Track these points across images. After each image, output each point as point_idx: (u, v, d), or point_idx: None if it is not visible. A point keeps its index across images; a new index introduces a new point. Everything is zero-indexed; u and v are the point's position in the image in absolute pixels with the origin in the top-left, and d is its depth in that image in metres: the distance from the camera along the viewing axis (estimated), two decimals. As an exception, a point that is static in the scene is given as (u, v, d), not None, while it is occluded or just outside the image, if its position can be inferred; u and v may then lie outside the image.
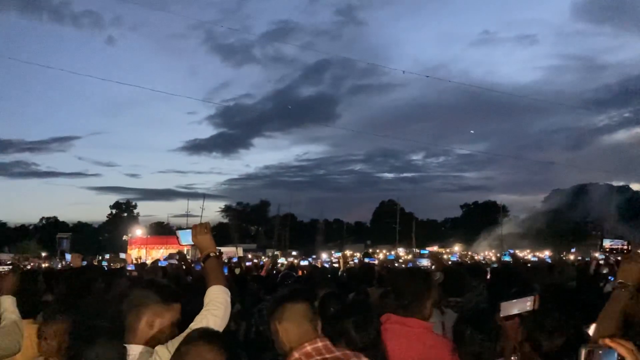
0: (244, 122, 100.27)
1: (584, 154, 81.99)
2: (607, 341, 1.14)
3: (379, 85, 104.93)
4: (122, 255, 19.67)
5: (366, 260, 10.93)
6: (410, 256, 25.91)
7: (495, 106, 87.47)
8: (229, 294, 2.48)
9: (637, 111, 75.26)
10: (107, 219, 73.24)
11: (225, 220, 74.21)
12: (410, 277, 2.72)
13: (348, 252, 21.58)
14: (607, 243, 5.82)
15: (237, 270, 8.27)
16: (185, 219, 50.95)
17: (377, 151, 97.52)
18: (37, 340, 2.90)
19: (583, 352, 1.15)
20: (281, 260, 15.80)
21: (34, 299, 3.88)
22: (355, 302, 4.03)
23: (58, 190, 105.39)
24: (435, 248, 37.84)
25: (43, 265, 21.09)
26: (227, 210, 76.73)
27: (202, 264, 2.63)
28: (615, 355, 1.12)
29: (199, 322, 2.29)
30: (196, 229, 2.59)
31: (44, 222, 72.35)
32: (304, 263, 13.17)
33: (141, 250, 30.27)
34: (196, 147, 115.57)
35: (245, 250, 34.71)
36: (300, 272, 9.60)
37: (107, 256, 17.18)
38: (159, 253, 26.53)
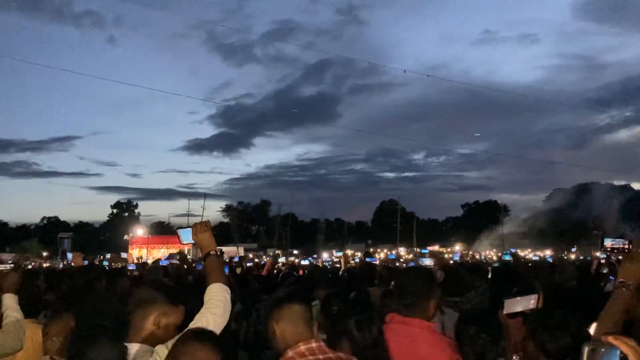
0: (245, 121, 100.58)
1: (585, 154, 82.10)
2: (611, 339, 1.13)
3: (380, 85, 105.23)
4: (123, 255, 19.71)
5: (367, 259, 10.92)
6: (411, 256, 25.89)
7: (496, 105, 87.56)
8: (229, 292, 2.48)
9: (638, 110, 75.46)
10: (108, 218, 73.42)
11: (226, 220, 74.39)
12: (413, 277, 2.71)
13: (349, 252, 21.56)
14: (608, 242, 5.84)
15: (238, 270, 8.27)
16: (186, 218, 51.14)
17: (378, 151, 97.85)
18: (37, 340, 2.91)
19: (586, 350, 1.14)
20: (281, 259, 15.78)
21: (35, 298, 3.89)
22: (357, 301, 4.04)
23: (59, 190, 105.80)
24: (436, 247, 37.80)
25: (44, 265, 21.12)
26: (228, 209, 76.84)
27: (202, 262, 2.64)
28: (618, 353, 1.12)
29: (198, 321, 2.30)
30: (196, 227, 2.60)
31: (45, 221, 72.45)
32: (304, 262, 13.16)
33: (142, 250, 30.36)
34: (197, 146, 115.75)
35: (246, 250, 34.75)
36: (301, 272, 9.61)
37: (108, 256, 17.17)
38: (160, 253, 26.56)
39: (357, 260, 13.43)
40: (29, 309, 3.32)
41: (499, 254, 22.76)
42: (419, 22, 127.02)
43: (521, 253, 23.00)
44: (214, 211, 74.37)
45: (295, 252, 34.58)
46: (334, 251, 27.67)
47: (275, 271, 9.46)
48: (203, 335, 2.01)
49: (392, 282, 4.86)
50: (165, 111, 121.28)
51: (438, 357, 2.46)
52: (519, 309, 2.72)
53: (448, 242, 50.13)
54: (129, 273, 7.24)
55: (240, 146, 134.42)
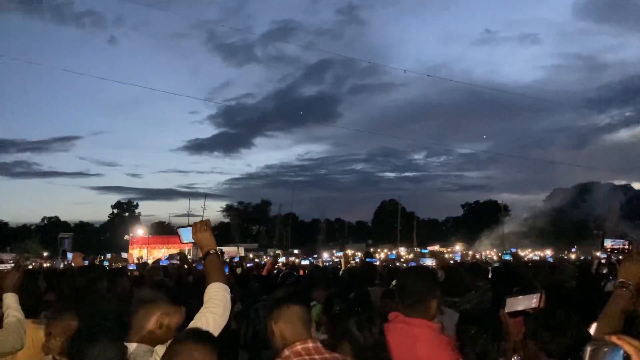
0: (246, 121, 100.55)
1: (585, 153, 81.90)
2: (614, 338, 1.13)
3: (381, 85, 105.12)
4: (124, 255, 19.73)
5: (367, 259, 10.91)
6: (411, 256, 25.87)
7: (497, 105, 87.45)
8: (229, 291, 2.49)
9: (638, 110, 75.31)
10: (109, 218, 73.43)
11: (227, 220, 74.41)
12: (415, 277, 2.70)
13: (349, 252, 21.57)
14: (608, 243, 5.84)
15: (239, 270, 8.28)
16: (186, 218, 51.14)
17: (378, 150, 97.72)
18: (38, 339, 2.91)
19: (588, 350, 1.14)
20: (282, 259, 15.78)
21: (35, 297, 3.88)
22: (357, 301, 4.04)
23: (59, 190, 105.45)
24: (436, 247, 37.76)
25: (44, 265, 21.13)
26: (228, 209, 76.80)
27: (202, 261, 2.64)
28: (621, 352, 1.11)
29: (198, 321, 2.30)
30: (196, 226, 2.61)
31: (45, 221, 72.42)
32: (305, 263, 13.16)
33: (142, 250, 30.41)
34: (197, 146, 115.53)
35: (246, 250, 34.79)
36: (301, 272, 9.61)
37: (108, 256, 17.18)
38: (160, 253, 26.60)
39: (357, 260, 13.44)
40: (30, 309, 3.32)
41: (499, 254, 22.73)
42: (419, 22, 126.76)
43: (521, 253, 22.98)
44: (214, 211, 74.53)
45: (295, 252, 34.54)
46: (334, 251, 27.68)
47: (275, 271, 9.47)
48: (199, 335, 2.01)
49: (393, 282, 4.86)
50: (166, 111, 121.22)
51: (439, 357, 2.46)
52: (520, 307, 2.72)
53: (448, 242, 50.09)
54: (129, 273, 7.24)
55: (241, 146, 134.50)
